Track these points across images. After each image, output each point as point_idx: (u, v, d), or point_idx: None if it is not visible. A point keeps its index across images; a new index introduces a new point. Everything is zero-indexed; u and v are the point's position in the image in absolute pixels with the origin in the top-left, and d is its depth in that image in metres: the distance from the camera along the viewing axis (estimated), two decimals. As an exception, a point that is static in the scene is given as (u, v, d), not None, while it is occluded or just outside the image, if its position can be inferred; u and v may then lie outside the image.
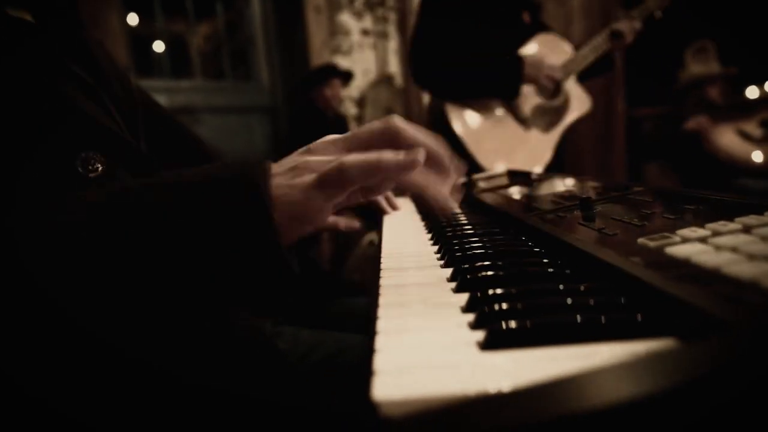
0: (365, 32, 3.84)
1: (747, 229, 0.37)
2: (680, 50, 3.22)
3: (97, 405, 0.40)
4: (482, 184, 1.11)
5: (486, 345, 0.29)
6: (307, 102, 2.99)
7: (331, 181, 0.38)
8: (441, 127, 1.88)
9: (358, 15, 3.80)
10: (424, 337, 0.31)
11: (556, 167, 1.94)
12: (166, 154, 0.71)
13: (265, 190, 0.37)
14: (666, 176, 3.32)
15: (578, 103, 1.98)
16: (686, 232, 0.39)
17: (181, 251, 0.36)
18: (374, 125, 0.42)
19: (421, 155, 0.39)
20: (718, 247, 0.34)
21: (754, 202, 0.45)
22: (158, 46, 3.33)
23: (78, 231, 0.36)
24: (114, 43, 2.64)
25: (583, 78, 2.03)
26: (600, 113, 3.41)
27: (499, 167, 1.78)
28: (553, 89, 1.91)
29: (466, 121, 1.86)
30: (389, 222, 0.87)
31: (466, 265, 0.45)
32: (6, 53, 0.52)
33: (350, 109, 3.77)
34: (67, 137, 0.50)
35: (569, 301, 0.33)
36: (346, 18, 3.73)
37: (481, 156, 1.84)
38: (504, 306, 0.33)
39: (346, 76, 3.11)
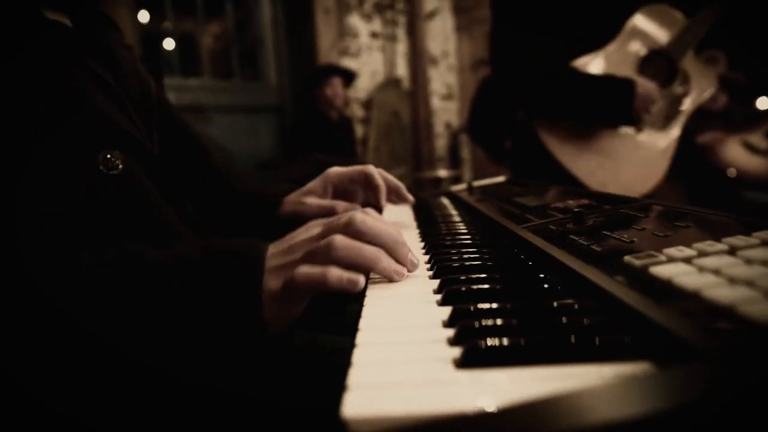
0: (374, 35, 3.85)
1: (732, 251, 0.36)
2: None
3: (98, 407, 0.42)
4: (481, 192, 1.11)
5: (461, 363, 0.29)
6: (310, 103, 2.99)
7: (290, 292, 0.43)
8: (531, 144, 1.53)
9: (367, 17, 3.81)
10: (402, 352, 0.31)
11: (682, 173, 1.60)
12: (175, 156, 0.75)
13: (258, 290, 0.43)
14: (673, 187, 3.31)
15: (700, 82, 1.54)
16: (673, 251, 0.39)
17: (178, 327, 0.42)
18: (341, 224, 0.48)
19: (361, 283, 0.43)
20: (701, 269, 0.34)
21: (744, 221, 0.44)
22: (168, 44, 3.35)
23: (90, 294, 0.42)
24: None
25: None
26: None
27: (608, 186, 1.46)
28: (666, 71, 1.50)
29: (559, 134, 1.50)
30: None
31: (452, 278, 0.45)
32: (36, 54, 0.53)
33: (357, 112, 3.78)
34: (88, 136, 0.53)
35: (548, 319, 0.33)
36: (355, 20, 3.74)
37: (582, 176, 1.47)
38: (482, 323, 0.33)
39: (348, 75, 3.11)
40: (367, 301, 0.42)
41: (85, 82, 0.56)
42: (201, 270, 0.44)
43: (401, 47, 3.98)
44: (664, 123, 1.51)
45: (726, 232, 0.41)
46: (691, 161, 2.93)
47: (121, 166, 0.53)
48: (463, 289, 0.42)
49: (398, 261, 0.48)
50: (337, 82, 2.94)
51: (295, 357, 0.59)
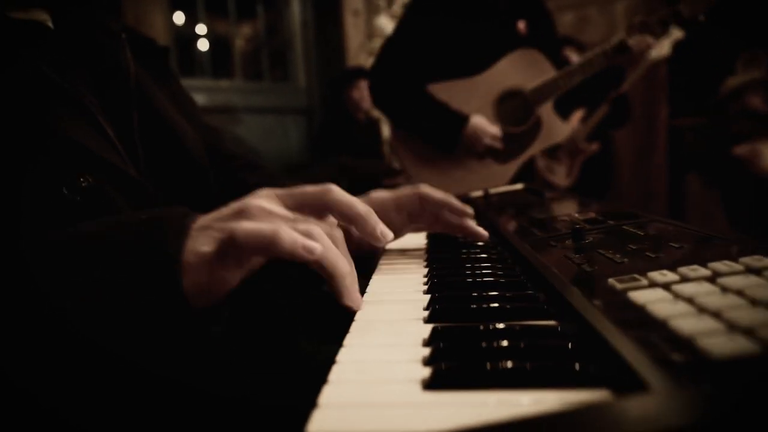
0: (402, 35, 3.86)
1: (713, 277, 0.36)
2: (732, 59, 3.10)
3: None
4: (496, 199, 1.12)
5: (427, 385, 0.30)
6: (337, 105, 3.03)
7: (226, 251, 0.38)
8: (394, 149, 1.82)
9: (396, 18, 3.82)
10: (379, 371, 0.33)
11: (718, 181, 1.73)
12: (157, 155, 0.69)
13: (175, 258, 0.37)
14: (708, 190, 3.21)
15: (551, 131, 1.71)
16: (656, 275, 0.39)
17: (104, 297, 0.37)
18: (311, 190, 0.45)
19: (318, 250, 0.38)
20: (677, 296, 0.34)
21: (740, 242, 0.44)
22: (203, 45, 3.43)
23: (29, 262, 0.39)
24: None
25: (580, 104, 1.82)
26: (641, 123, 3.32)
27: None
28: (521, 112, 1.69)
29: (412, 147, 1.74)
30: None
31: (443, 295, 0.46)
32: None
33: (384, 112, 3.79)
34: (53, 163, 0.52)
35: (522, 341, 0.34)
36: (383, 21, 3.75)
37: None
38: (455, 344, 0.34)
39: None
40: (358, 316, 0.44)
41: (47, 101, 0.55)
42: (118, 237, 0.40)
43: (430, 48, 3.98)
44: (505, 159, 1.69)
45: (718, 254, 0.41)
46: (728, 170, 2.84)
47: (88, 190, 0.53)
48: (450, 307, 0.43)
49: (367, 234, 0.47)
50: (363, 85, 2.96)
51: (293, 363, 0.60)
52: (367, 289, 0.53)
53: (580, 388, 0.29)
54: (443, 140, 1.68)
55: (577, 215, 0.71)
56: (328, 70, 3.56)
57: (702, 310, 0.31)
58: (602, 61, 1.59)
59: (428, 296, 0.48)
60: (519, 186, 1.27)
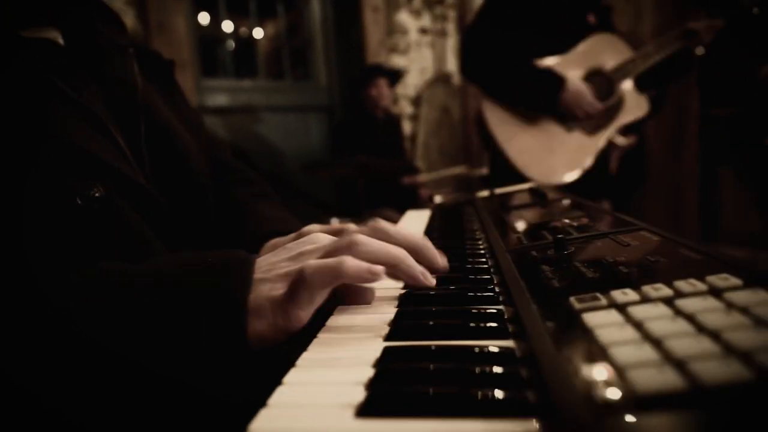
0: (423, 31, 3.83)
1: (671, 299, 0.35)
2: (768, 46, 2.96)
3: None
4: (501, 200, 1.10)
5: (359, 412, 0.30)
6: (356, 103, 3.03)
7: (298, 290, 0.40)
8: (479, 122, 1.89)
9: (417, 13, 3.80)
10: (320, 394, 0.33)
11: (599, 174, 1.85)
12: (160, 164, 0.71)
13: (242, 304, 0.39)
14: (741, 183, 3.08)
15: (633, 106, 1.89)
16: (618, 294, 0.38)
17: (160, 344, 0.39)
18: (360, 229, 0.47)
19: (382, 271, 0.42)
20: (628, 319, 0.33)
21: (719, 260, 0.42)
22: (226, 45, 3.48)
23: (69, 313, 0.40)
24: (179, 46, 2.79)
25: (656, 83, 1.92)
26: (671, 114, 3.21)
27: (532, 169, 1.76)
28: (605, 91, 1.82)
29: (502, 118, 1.83)
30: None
31: (409, 309, 0.46)
32: (7, 88, 0.54)
33: (406, 108, 3.78)
34: (67, 174, 0.54)
35: (470, 365, 0.33)
36: (404, 17, 3.73)
37: (513, 155, 1.79)
38: (398, 366, 0.34)
39: (393, 75, 3.11)
40: (321, 333, 0.44)
41: (61, 112, 0.56)
42: (176, 285, 0.41)
43: (451, 42, 3.94)
44: (593, 130, 1.82)
45: (688, 272, 0.40)
46: (763, 161, 2.72)
47: (100, 199, 0.54)
48: (411, 324, 0.42)
49: (424, 263, 0.48)
50: (382, 83, 2.96)
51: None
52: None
53: (509, 418, 0.28)
54: (544, 101, 1.77)
55: (568, 221, 0.70)
56: (349, 67, 3.57)
57: (646, 337, 0.30)
58: (674, 43, 1.77)
59: (396, 309, 0.48)
60: (524, 186, 1.25)
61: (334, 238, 0.47)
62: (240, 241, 0.76)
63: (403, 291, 0.54)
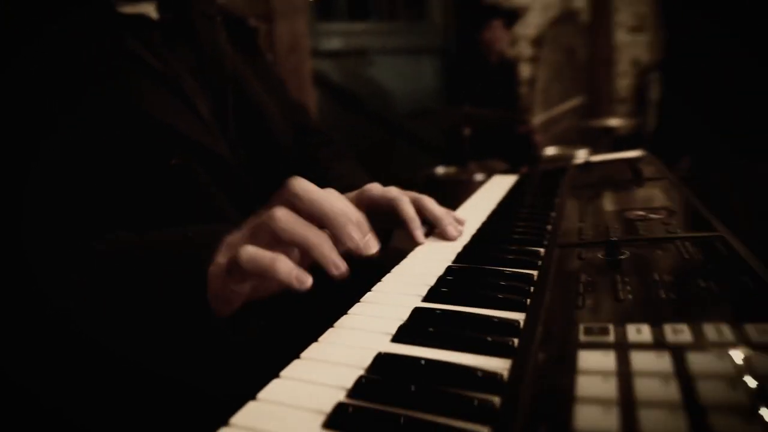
0: (550, -38, 3.48)
1: (683, 349, 0.31)
2: None
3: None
4: (592, 172, 1.01)
5: (326, 423, 0.32)
6: (470, 47, 2.89)
7: (232, 270, 0.42)
8: None
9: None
10: (304, 396, 0.35)
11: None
12: (247, 136, 0.75)
13: (203, 267, 0.44)
14: None
15: None
16: (631, 330, 0.34)
17: (145, 300, 0.45)
18: (290, 197, 0.46)
19: (309, 282, 0.41)
20: (620, 370, 0.30)
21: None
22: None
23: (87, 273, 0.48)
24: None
25: None
26: None
27: None
28: None
29: None
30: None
31: (426, 308, 0.46)
32: (100, 65, 0.59)
33: (525, 50, 3.53)
34: (147, 143, 0.59)
35: (451, 387, 0.33)
36: (528, -52, 3.41)
37: None
38: (379, 376, 0.34)
39: (510, 16, 2.89)
40: (337, 323, 0.45)
41: (144, 85, 0.60)
42: (159, 252, 0.47)
43: (582, -25, 3.54)
44: None
45: (738, 311, 0.35)
46: None
47: (178, 168, 0.59)
48: (419, 326, 0.42)
49: (345, 242, 0.45)
50: (497, 25, 2.78)
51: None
52: (374, 287, 0.54)
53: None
54: None
55: (644, 212, 0.63)
56: (466, 6, 3.38)
57: (622, 402, 0.27)
58: None
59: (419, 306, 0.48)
60: (632, 154, 1.13)
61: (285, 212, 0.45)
62: None
63: (436, 284, 0.53)
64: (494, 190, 1.00)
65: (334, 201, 0.45)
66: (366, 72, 3.49)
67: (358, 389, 0.34)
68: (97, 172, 0.57)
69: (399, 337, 0.42)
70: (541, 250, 0.58)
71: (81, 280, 0.47)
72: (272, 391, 0.36)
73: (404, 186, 0.73)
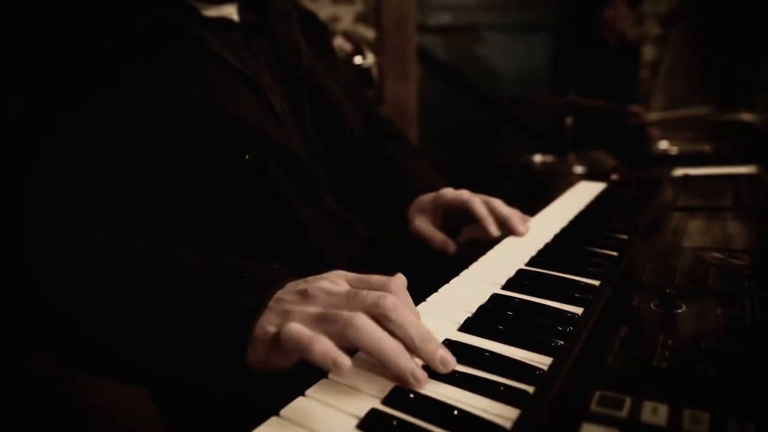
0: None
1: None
2: None
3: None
4: (690, 188, 0.93)
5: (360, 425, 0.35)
6: (587, 24, 2.68)
7: (275, 343, 0.41)
8: None
9: None
10: (329, 419, 0.38)
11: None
12: (320, 128, 0.79)
13: (247, 333, 0.42)
14: None
15: None
16: (647, 408, 0.33)
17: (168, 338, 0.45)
18: (371, 301, 0.42)
19: (346, 368, 0.38)
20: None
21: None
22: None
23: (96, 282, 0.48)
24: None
25: None
26: None
27: None
28: None
29: None
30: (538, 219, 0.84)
31: (461, 343, 0.46)
32: (173, 59, 0.62)
33: (652, 29, 3.22)
34: (221, 138, 0.62)
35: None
36: None
37: None
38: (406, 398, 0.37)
39: (636, -6, 2.63)
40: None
41: (222, 82, 0.63)
42: (204, 289, 0.45)
43: (733, -57, 3.11)
44: None
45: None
46: None
47: (251, 164, 0.62)
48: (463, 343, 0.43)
49: (423, 359, 0.42)
50: (620, 2, 2.55)
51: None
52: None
53: None
54: None
55: (722, 255, 0.58)
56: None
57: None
58: None
59: (456, 335, 0.49)
60: (742, 170, 1.01)
61: (345, 293, 0.44)
62: (389, 196, 0.85)
63: (477, 313, 0.54)
64: (574, 200, 0.96)
65: (420, 327, 0.42)
66: (473, 49, 3.40)
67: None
68: (171, 165, 0.61)
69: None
70: (597, 284, 0.56)
71: (105, 282, 0.48)
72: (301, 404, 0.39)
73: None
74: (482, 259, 0.68)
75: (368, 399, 0.39)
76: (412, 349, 0.41)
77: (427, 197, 0.81)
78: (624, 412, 0.33)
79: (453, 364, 0.41)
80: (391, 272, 0.49)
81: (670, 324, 0.45)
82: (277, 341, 0.40)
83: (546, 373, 0.40)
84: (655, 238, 0.68)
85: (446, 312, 0.53)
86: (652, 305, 0.48)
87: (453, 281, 0.61)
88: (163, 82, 0.61)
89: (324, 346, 0.38)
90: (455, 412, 0.37)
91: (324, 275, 0.47)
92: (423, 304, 0.55)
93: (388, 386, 0.40)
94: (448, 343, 0.45)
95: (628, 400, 0.34)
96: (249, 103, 0.66)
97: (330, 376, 0.41)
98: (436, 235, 0.77)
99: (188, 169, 0.62)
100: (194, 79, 0.63)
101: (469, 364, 0.43)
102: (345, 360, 0.38)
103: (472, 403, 0.38)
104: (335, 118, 0.81)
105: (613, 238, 0.71)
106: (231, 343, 0.42)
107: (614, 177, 1.11)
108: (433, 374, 0.41)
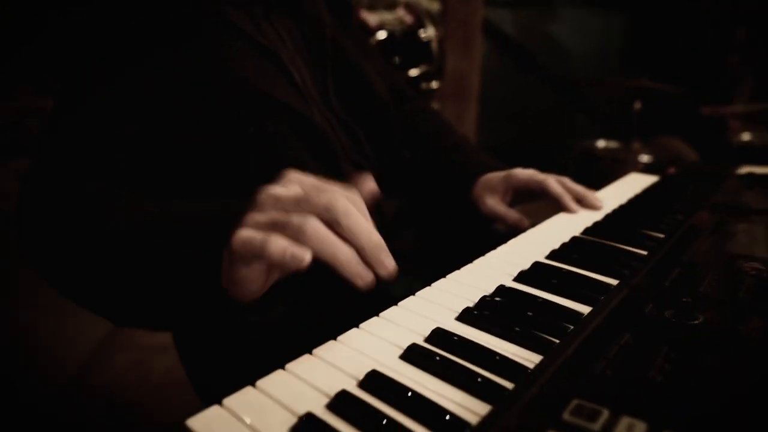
0: None
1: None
2: None
3: None
4: (755, 189, 0.85)
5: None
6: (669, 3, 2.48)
7: (240, 256, 0.40)
8: None
9: None
10: (297, 395, 0.38)
11: None
12: (350, 102, 0.78)
13: (217, 255, 0.43)
14: None
15: None
16: (623, 424, 0.31)
17: (160, 268, 0.47)
18: (321, 203, 0.41)
19: (307, 258, 0.38)
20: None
21: None
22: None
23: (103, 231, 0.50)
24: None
25: None
26: None
27: None
28: None
29: None
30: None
31: (449, 334, 0.45)
32: (200, 38, 0.63)
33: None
34: (245, 110, 0.62)
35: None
36: None
37: None
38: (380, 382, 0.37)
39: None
40: (366, 323, 0.47)
41: (242, 53, 0.63)
42: (181, 225, 0.47)
43: None
44: None
45: None
46: None
47: (271, 134, 0.62)
48: (424, 352, 0.42)
49: (371, 264, 0.42)
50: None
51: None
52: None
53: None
54: None
55: (763, 267, 0.52)
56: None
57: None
58: None
59: (454, 324, 0.47)
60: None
61: (295, 198, 0.42)
62: (442, 174, 0.86)
63: (477, 304, 0.52)
64: (619, 192, 0.90)
65: (372, 234, 0.42)
66: (545, 25, 3.24)
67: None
68: (190, 135, 0.62)
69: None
70: (614, 282, 0.53)
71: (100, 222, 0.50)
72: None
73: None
74: (501, 248, 0.65)
75: (345, 380, 0.39)
76: (362, 256, 0.41)
77: (496, 176, 0.82)
78: (597, 426, 0.31)
79: (393, 267, 0.42)
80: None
81: (679, 336, 0.41)
82: (229, 251, 0.40)
83: (529, 372, 0.38)
84: (695, 240, 0.62)
85: (448, 300, 0.51)
86: (666, 313, 0.45)
87: (465, 268, 0.59)
88: (184, 56, 0.62)
89: (278, 243, 0.37)
90: (422, 401, 0.36)
91: (280, 180, 0.45)
92: (427, 288, 0.54)
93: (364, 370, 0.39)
94: (441, 332, 0.44)
95: (605, 413, 0.32)
96: (270, 75, 0.66)
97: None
98: (511, 214, 0.79)
99: (207, 138, 0.63)
100: (215, 53, 0.63)
101: (458, 355, 0.41)
102: (303, 252, 0.37)
103: (447, 394, 0.37)
104: (363, 90, 0.80)
105: (647, 237, 0.66)
106: (203, 265, 0.44)
107: (671, 170, 1.03)
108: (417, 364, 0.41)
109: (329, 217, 0.41)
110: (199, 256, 0.45)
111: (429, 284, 0.55)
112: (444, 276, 0.57)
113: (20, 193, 0.56)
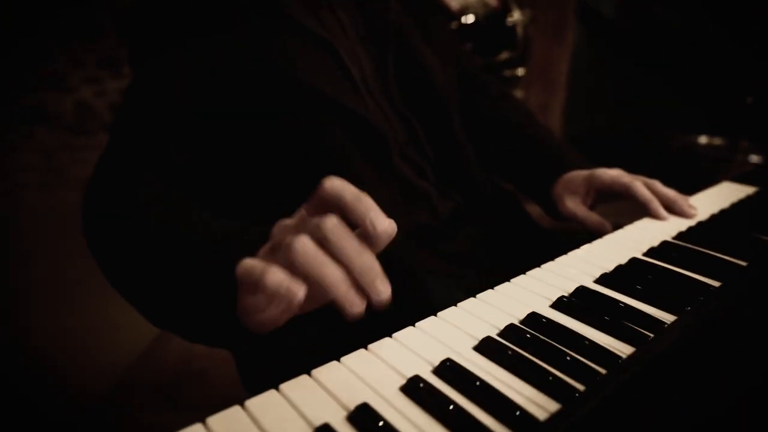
0: None
1: None
2: None
3: None
4: None
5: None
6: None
7: (243, 284, 0.39)
8: None
9: None
10: (311, 405, 0.38)
11: None
12: (410, 93, 0.75)
13: (229, 280, 0.41)
14: None
15: None
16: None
17: (177, 280, 0.48)
18: (314, 225, 0.39)
19: (300, 294, 0.36)
20: None
21: None
22: None
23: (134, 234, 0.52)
24: None
25: None
26: None
27: None
28: None
29: None
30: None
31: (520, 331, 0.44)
32: (255, 33, 0.62)
33: None
34: (292, 105, 0.61)
35: None
36: None
37: None
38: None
39: None
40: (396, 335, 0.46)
41: (293, 44, 0.62)
42: (204, 250, 0.47)
43: None
44: None
45: None
46: None
47: (314, 127, 0.61)
48: (452, 370, 0.41)
49: (365, 287, 0.38)
50: None
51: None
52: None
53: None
54: None
55: None
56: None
57: None
58: None
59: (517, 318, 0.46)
60: None
61: (294, 222, 0.42)
62: (525, 169, 0.83)
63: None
64: (707, 203, 0.81)
65: (363, 255, 0.38)
66: (651, 7, 2.99)
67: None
68: (239, 128, 0.62)
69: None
70: (670, 318, 0.48)
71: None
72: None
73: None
74: (586, 247, 0.64)
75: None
76: (352, 276, 0.38)
77: (578, 176, 0.77)
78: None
79: (387, 295, 0.38)
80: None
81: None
82: (237, 280, 0.39)
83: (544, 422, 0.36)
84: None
85: (541, 288, 0.54)
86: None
87: (546, 265, 0.59)
88: (237, 47, 0.61)
89: (275, 275, 0.36)
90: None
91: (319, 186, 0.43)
92: (521, 276, 0.56)
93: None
94: (533, 315, 0.48)
95: None
96: (320, 67, 0.64)
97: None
98: (592, 218, 0.75)
99: (251, 131, 0.63)
100: (268, 46, 0.62)
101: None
102: (297, 287, 0.36)
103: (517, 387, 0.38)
104: (421, 81, 0.76)
105: (721, 262, 0.59)
106: (217, 291, 0.43)
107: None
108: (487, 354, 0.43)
109: (319, 235, 0.38)
110: (210, 278, 0.44)
111: (469, 289, 0.53)
112: (496, 283, 0.54)
113: (89, 181, 0.60)
